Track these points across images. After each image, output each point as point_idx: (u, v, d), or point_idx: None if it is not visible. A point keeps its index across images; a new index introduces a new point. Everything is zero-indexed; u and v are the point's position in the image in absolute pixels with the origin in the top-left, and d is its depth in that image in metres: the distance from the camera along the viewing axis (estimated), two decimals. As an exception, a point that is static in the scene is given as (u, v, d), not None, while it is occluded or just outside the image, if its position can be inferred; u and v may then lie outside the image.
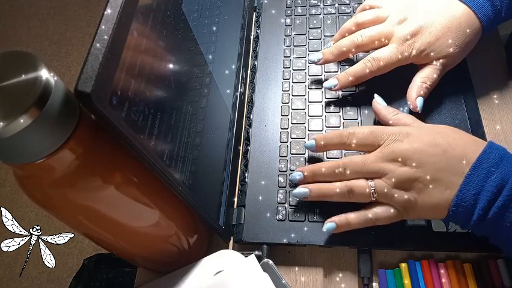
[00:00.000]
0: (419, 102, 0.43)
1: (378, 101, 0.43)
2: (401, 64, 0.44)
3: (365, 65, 0.44)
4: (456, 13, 0.42)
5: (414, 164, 0.35)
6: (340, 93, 0.49)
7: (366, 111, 0.47)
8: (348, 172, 0.38)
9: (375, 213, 0.37)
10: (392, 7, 0.46)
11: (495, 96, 0.47)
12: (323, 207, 0.42)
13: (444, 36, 0.42)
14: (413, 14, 0.43)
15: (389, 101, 0.45)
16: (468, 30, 0.42)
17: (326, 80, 0.47)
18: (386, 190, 0.36)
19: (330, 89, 0.46)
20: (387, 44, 0.44)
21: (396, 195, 0.36)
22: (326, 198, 0.39)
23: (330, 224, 0.38)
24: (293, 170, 0.45)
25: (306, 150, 0.46)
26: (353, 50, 0.45)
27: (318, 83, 0.50)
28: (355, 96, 0.48)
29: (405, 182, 0.35)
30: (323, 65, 0.51)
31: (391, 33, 0.44)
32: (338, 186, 0.38)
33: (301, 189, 0.40)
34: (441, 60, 0.43)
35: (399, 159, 0.36)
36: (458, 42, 0.42)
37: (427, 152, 0.35)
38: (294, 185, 0.42)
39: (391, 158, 0.36)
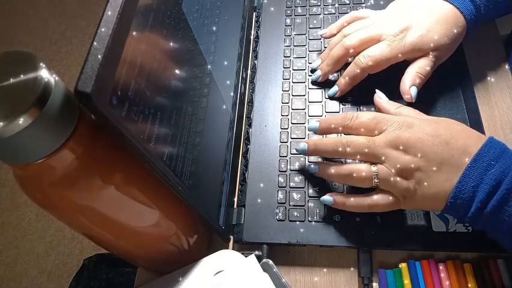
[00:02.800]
0: (413, 91, 0.43)
1: (379, 96, 0.43)
2: (396, 60, 0.44)
3: (355, 64, 0.45)
4: (441, 10, 0.43)
5: (417, 154, 0.35)
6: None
7: (365, 111, 0.47)
8: (350, 151, 0.38)
9: (374, 200, 0.37)
10: (377, 14, 0.47)
11: (494, 95, 0.48)
12: (323, 207, 0.42)
13: (434, 29, 0.43)
14: (400, 15, 0.45)
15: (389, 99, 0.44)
16: (455, 24, 0.43)
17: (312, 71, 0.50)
18: (388, 176, 0.36)
19: (334, 96, 0.48)
20: None
21: (397, 182, 0.36)
22: (328, 178, 0.42)
23: (328, 197, 0.40)
24: (293, 170, 0.45)
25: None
26: (346, 52, 0.46)
27: (318, 83, 0.50)
28: (355, 96, 0.48)
29: (407, 170, 0.35)
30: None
31: (380, 33, 0.44)
32: (342, 168, 0.38)
33: (311, 166, 0.42)
34: (434, 53, 0.43)
35: (403, 148, 0.36)
36: (448, 34, 0.43)
37: (430, 142, 0.35)
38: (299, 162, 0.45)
39: (395, 145, 0.36)
